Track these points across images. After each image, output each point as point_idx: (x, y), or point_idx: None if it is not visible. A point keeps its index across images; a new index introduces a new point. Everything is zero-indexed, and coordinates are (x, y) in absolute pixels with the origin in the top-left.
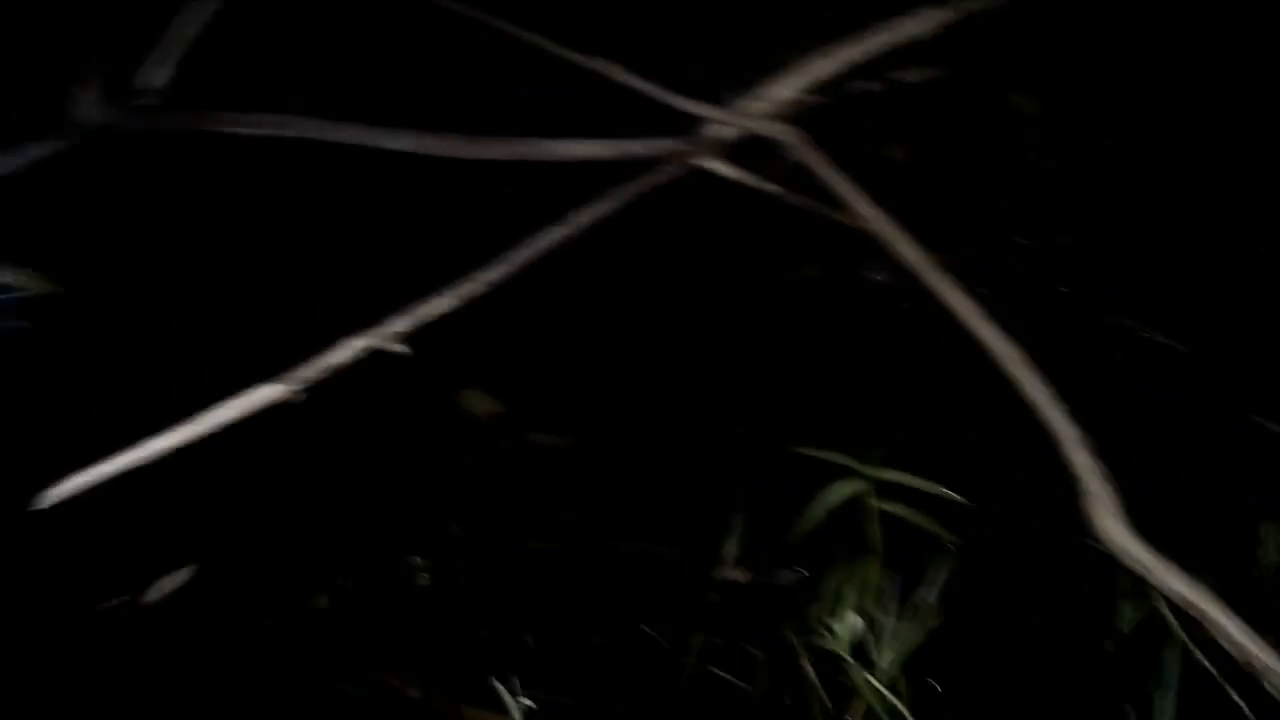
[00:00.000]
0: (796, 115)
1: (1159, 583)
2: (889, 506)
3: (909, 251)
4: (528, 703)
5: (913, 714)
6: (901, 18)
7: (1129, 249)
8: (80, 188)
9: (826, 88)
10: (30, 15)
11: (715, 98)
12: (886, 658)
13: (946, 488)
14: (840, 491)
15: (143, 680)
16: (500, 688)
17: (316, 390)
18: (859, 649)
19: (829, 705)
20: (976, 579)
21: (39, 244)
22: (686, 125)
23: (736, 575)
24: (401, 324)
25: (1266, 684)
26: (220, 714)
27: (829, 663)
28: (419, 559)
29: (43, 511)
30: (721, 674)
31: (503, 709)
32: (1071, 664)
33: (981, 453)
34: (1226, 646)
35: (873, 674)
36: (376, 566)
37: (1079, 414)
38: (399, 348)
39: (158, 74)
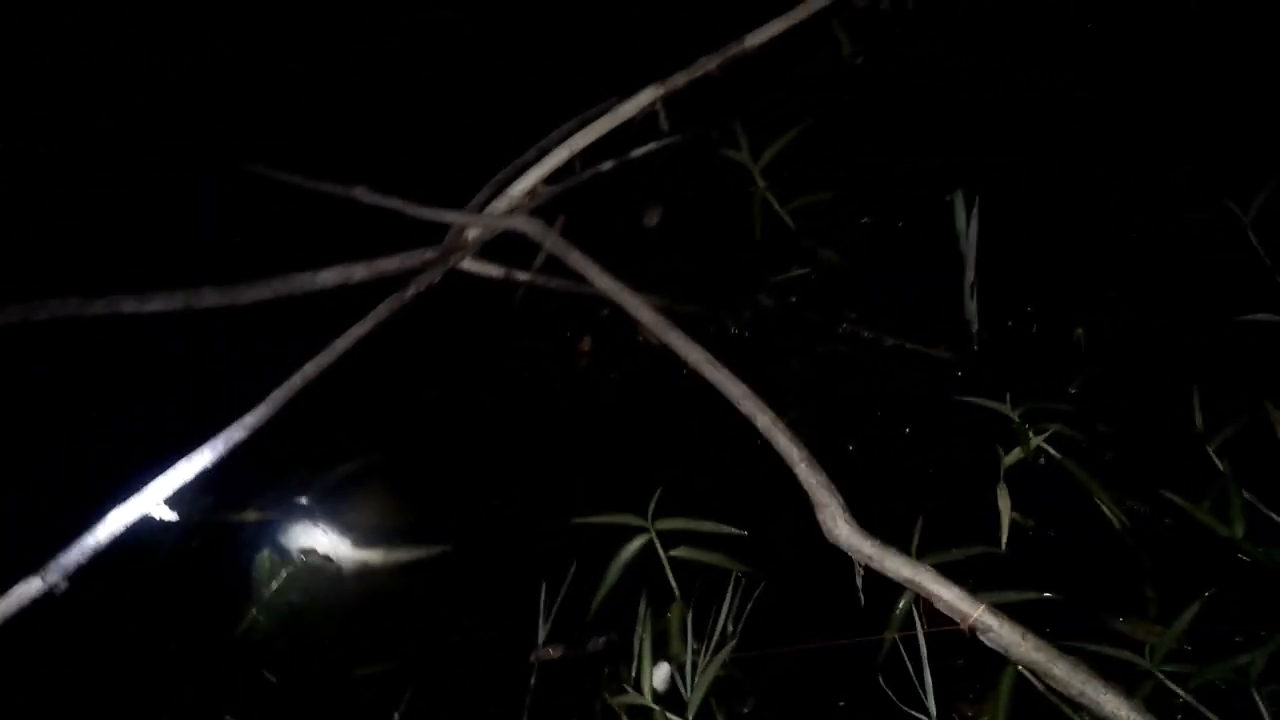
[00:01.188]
0: (539, 206)
1: (885, 570)
2: (677, 552)
3: (646, 314)
4: None
5: None
6: (619, 101)
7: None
8: None
9: (563, 175)
10: None
11: (459, 202)
12: (696, 697)
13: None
14: (630, 549)
15: None
16: None
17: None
18: (672, 694)
19: None
20: (766, 601)
21: None
22: (437, 234)
23: (550, 653)
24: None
25: (985, 640)
26: None
27: (646, 715)
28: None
29: None
30: None
31: None
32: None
33: (742, 487)
34: (946, 612)
35: (684, 715)
36: None
37: (809, 433)
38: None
39: None
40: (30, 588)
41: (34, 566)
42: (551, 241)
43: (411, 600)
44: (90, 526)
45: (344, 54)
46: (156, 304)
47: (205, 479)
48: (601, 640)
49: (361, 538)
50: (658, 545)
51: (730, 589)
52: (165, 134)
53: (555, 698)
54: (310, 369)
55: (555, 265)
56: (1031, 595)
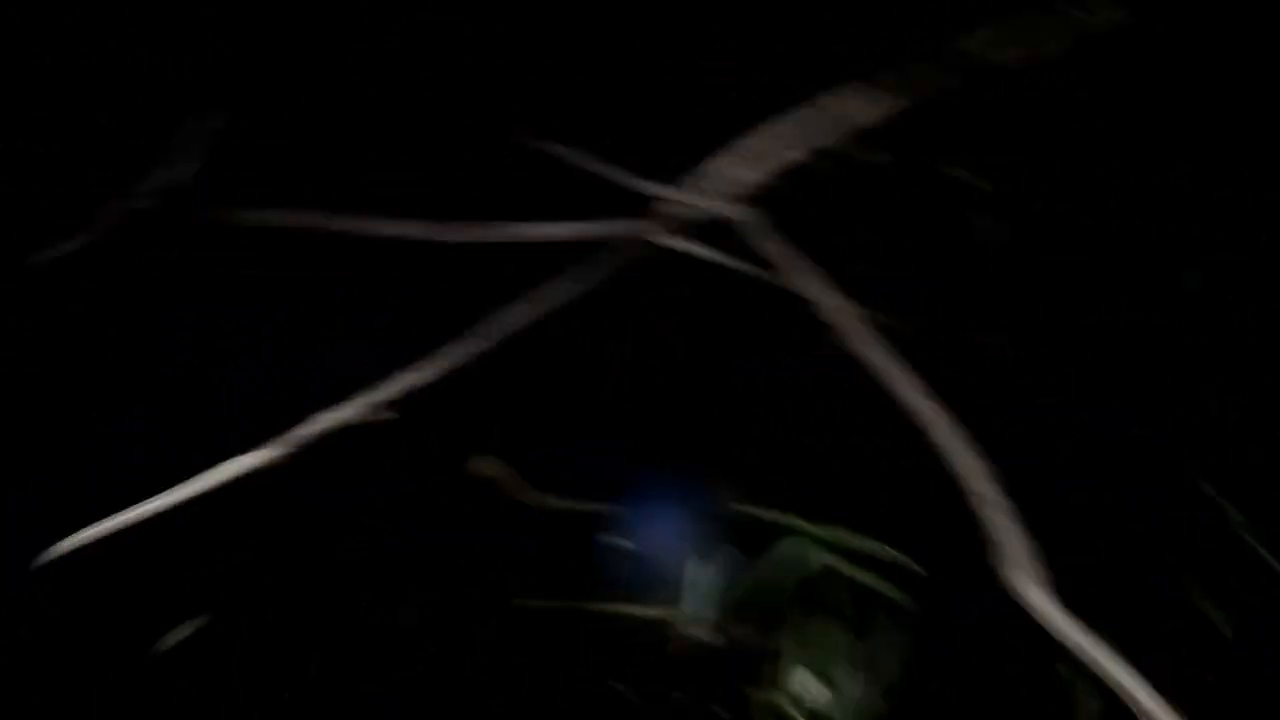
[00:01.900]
0: (752, 196)
1: (1074, 649)
2: (842, 567)
3: (855, 327)
4: None
5: None
6: (852, 99)
7: (1076, 318)
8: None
9: (781, 169)
10: (55, 108)
11: (673, 180)
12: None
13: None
14: (791, 550)
15: None
16: None
17: (306, 454)
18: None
19: None
20: (928, 642)
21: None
22: (646, 207)
23: (696, 632)
24: (385, 394)
25: None
26: None
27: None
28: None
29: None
30: None
31: None
32: None
33: (920, 518)
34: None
35: None
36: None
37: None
38: (384, 414)
39: (180, 170)
40: (257, 457)
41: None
42: (762, 235)
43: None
44: (321, 409)
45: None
46: (387, 228)
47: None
48: (748, 636)
49: None
50: (822, 555)
51: (885, 614)
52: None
53: (698, 677)
54: (520, 313)
55: (744, 254)
56: None
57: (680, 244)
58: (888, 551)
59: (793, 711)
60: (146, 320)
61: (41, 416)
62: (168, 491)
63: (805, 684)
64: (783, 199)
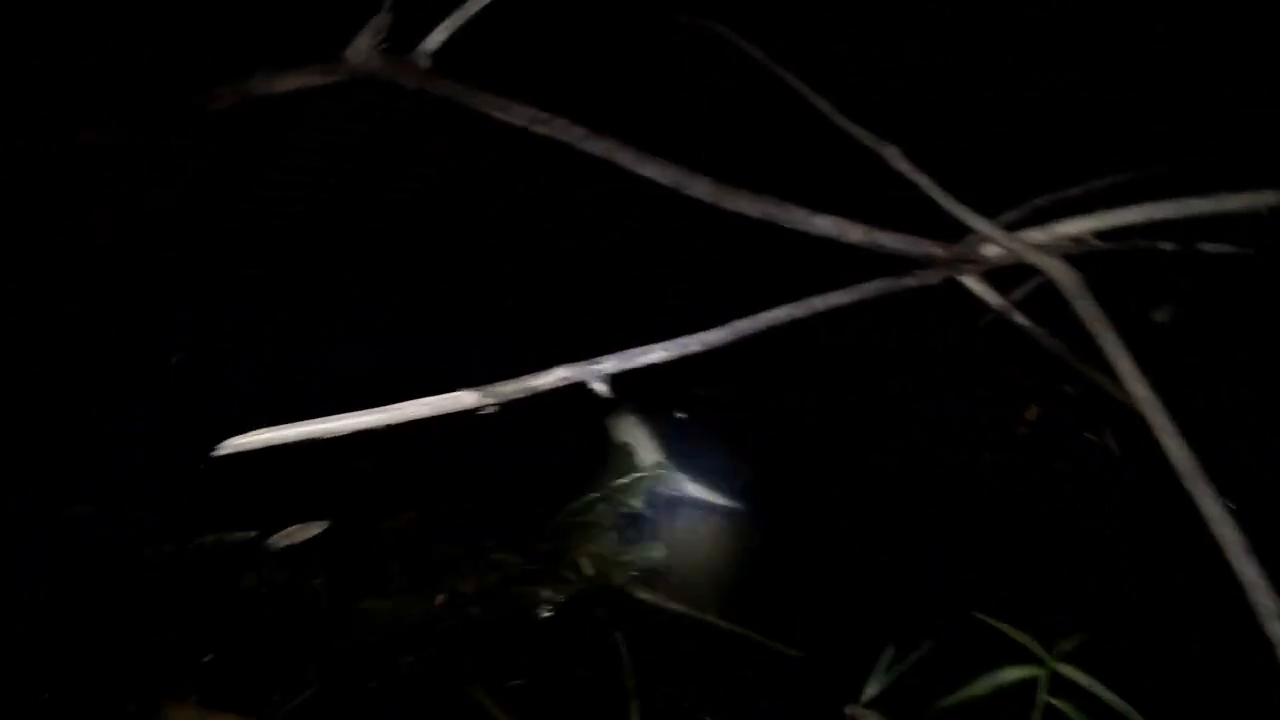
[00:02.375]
0: (1072, 256)
1: None
2: (1060, 705)
3: (1159, 418)
4: None
5: None
6: (1229, 193)
7: None
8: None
9: (1116, 236)
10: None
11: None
12: None
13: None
14: (1014, 674)
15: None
16: None
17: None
18: None
19: None
20: None
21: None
22: (953, 235)
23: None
24: (611, 364)
25: None
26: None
27: None
28: None
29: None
30: None
31: None
32: None
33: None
34: None
35: None
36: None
37: None
38: (601, 387)
39: (434, 38)
40: (464, 399)
41: None
42: (1082, 302)
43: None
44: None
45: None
46: (650, 169)
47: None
48: None
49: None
50: (1043, 687)
51: None
52: None
53: None
54: (782, 314)
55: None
56: None
57: (981, 287)
58: (1121, 704)
59: None
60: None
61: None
62: (365, 412)
63: None
64: (1104, 267)
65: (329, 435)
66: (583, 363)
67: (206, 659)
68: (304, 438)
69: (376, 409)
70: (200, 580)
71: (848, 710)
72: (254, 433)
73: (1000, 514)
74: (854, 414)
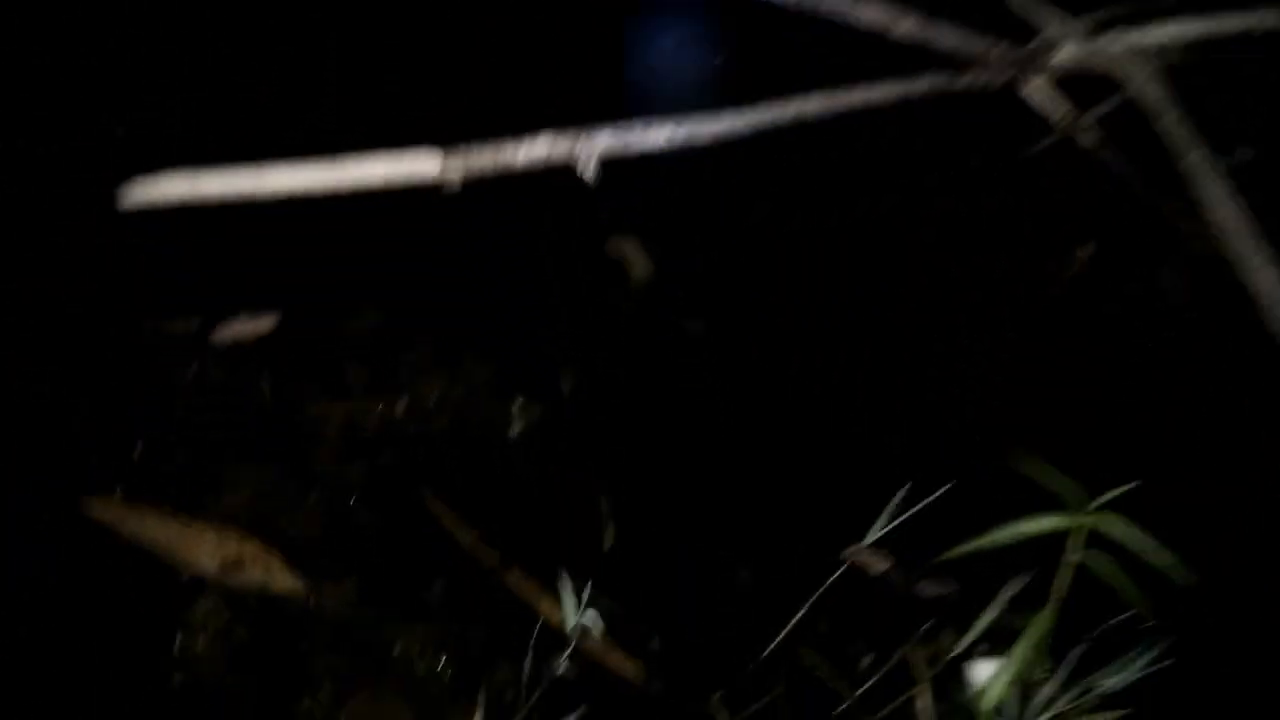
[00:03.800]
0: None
1: None
2: (1091, 560)
3: (1247, 248)
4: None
5: None
6: None
7: None
8: None
9: (1192, 51)
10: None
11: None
12: None
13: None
14: (1043, 523)
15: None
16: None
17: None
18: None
19: None
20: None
21: None
22: (1020, 36)
23: (877, 564)
24: (606, 140)
25: None
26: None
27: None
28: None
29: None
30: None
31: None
32: None
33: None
34: None
35: None
36: None
37: None
38: (589, 168)
39: None
40: (424, 165)
41: None
42: (1169, 117)
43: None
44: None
45: None
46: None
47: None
48: (945, 593)
49: None
50: (1076, 543)
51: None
52: None
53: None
54: (813, 105)
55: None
56: None
57: (1044, 91)
58: (1159, 552)
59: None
60: None
61: None
62: (304, 168)
63: (995, 672)
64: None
65: (260, 193)
66: (571, 134)
67: (135, 453)
68: (231, 194)
69: (316, 165)
70: (133, 372)
71: (846, 553)
72: (169, 179)
73: (1045, 357)
74: (886, 231)
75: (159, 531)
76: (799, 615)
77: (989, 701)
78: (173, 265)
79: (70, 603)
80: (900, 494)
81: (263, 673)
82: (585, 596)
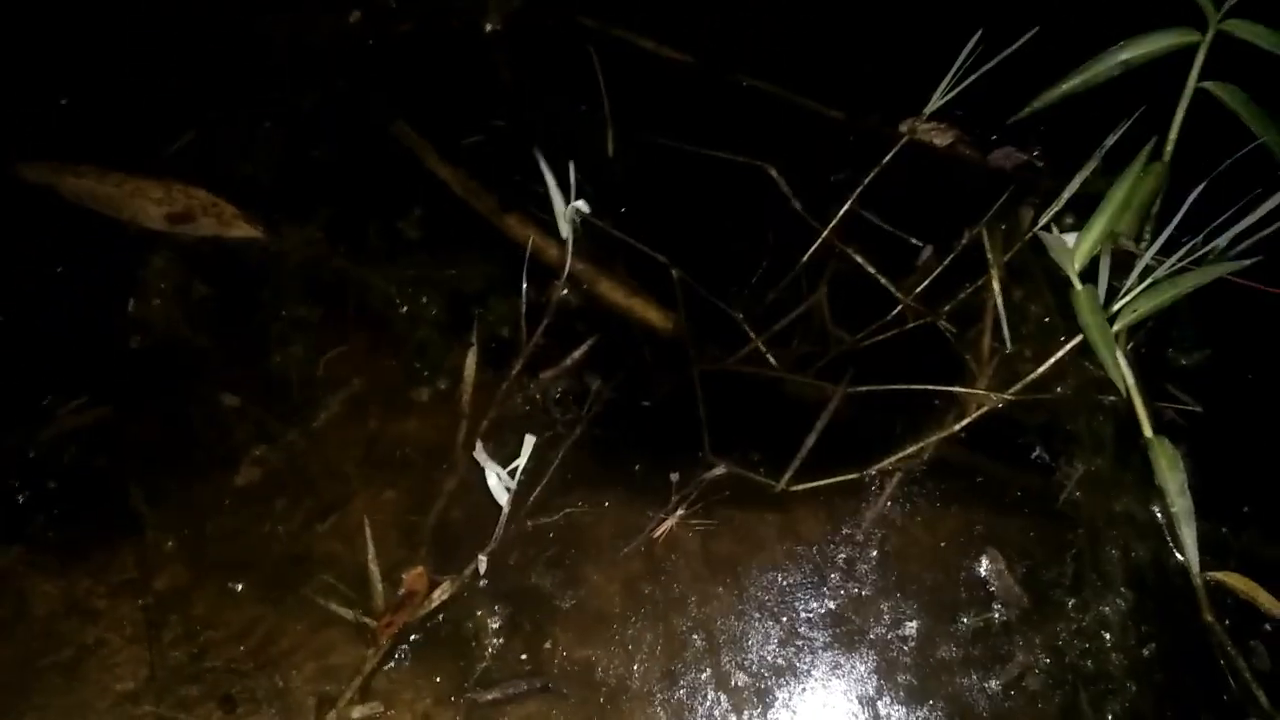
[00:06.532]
0: None
1: None
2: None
3: None
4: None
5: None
6: None
7: None
8: None
9: None
10: None
11: None
12: (1127, 314)
13: None
14: (1154, 45)
15: None
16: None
17: None
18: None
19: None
20: None
21: None
22: None
23: (941, 136)
24: None
25: None
26: None
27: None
28: None
29: None
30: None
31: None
32: None
33: None
34: None
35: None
36: None
37: None
38: None
39: None
40: None
41: None
42: None
43: None
44: None
45: None
46: None
47: None
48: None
49: None
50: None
51: None
52: None
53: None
54: None
55: None
56: None
57: None
58: None
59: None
60: None
61: None
62: None
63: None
64: None
65: None
66: None
67: (62, 102)
68: None
69: None
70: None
71: (904, 126)
72: None
73: None
74: None
75: (99, 189)
76: (844, 208)
77: (1077, 261)
78: None
79: (13, 270)
80: (970, 45)
81: (227, 330)
82: (572, 184)
